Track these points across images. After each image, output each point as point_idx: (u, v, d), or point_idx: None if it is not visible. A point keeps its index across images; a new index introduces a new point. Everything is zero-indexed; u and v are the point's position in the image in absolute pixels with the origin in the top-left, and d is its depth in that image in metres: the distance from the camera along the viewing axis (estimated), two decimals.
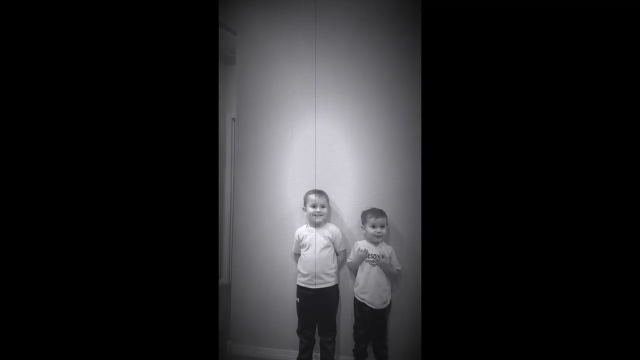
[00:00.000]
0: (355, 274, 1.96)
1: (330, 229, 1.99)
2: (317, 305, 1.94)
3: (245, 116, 2.24)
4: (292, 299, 2.08)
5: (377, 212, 1.91)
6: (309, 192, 2.01)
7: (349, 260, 1.98)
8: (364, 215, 1.96)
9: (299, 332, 2.01)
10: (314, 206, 1.95)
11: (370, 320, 1.88)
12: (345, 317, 2.05)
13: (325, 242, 1.95)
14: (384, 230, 1.89)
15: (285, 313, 2.14)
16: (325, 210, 1.97)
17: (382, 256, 1.88)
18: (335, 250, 1.99)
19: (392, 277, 1.90)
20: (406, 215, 2.01)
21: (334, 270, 1.97)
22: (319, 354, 2.00)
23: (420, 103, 1.97)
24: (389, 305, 1.92)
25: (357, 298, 1.92)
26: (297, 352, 2.02)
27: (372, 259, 1.89)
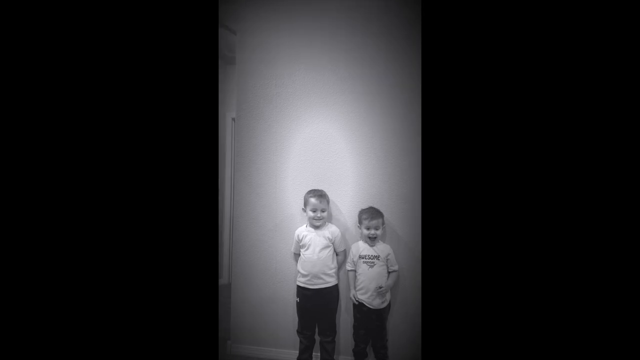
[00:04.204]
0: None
1: (331, 230, 1.99)
2: (317, 305, 1.94)
3: (245, 116, 2.24)
4: (292, 299, 2.08)
5: (373, 214, 1.91)
6: (310, 195, 1.99)
7: (348, 268, 1.98)
8: (360, 215, 1.96)
9: (299, 332, 2.01)
10: (314, 210, 1.95)
11: (370, 320, 1.89)
12: (345, 317, 2.05)
13: (325, 242, 1.95)
14: (378, 232, 1.90)
15: (285, 313, 2.14)
16: (325, 214, 1.97)
17: (383, 258, 1.88)
18: (335, 251, 1.99)
19: (391, 278, 1.90)
20: (406, 215, 2.01)
21: (333, 271, 1.97)
22: (319, 354, 2.01)
23: (420, 102, 1.97)
24: (388, 306, 1.92)
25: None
26: (297, 352, 2.02)
27: (369, 261, 1.89)
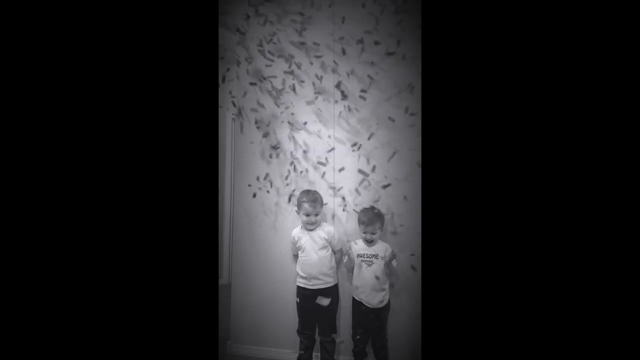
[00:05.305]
0: (352, 272, 1.96)
1: (326, 230, 1.98)
2: (317, 305, 1.94)
3: (245, 116, 2.23)
4: (292, 299, 2.08)
5: (371, 219, 1.90)
6: (303, 199, 1.96)
7: (345, 261, 1.98)
8: (359, 216, 1.96)
9: (299, 332, 2.01)
10: (307, 215, 1.93)
11: (368, 320, 1.89)
12: (345, 317, 2.05)
13: (322, 242, 1.94)
14: (375, 236, 1.89)
15: (285, 313, 2.14)
16: (318, 217, 1.96)
17: (382, 257, 1.88)
18: (332, 250, 1.99)
19: (392, 273, 1.90)
20: (406, 215, 2.01)
21: (332, 270, 1.96)
22: (319, 354, 2.00)
23: (420, 102, 1.97)
24: (387, 305, 1.91)
25: (355, 297, 1.93)
26: (297, 352, 2.02)
27: (367, 260, 1.89)
